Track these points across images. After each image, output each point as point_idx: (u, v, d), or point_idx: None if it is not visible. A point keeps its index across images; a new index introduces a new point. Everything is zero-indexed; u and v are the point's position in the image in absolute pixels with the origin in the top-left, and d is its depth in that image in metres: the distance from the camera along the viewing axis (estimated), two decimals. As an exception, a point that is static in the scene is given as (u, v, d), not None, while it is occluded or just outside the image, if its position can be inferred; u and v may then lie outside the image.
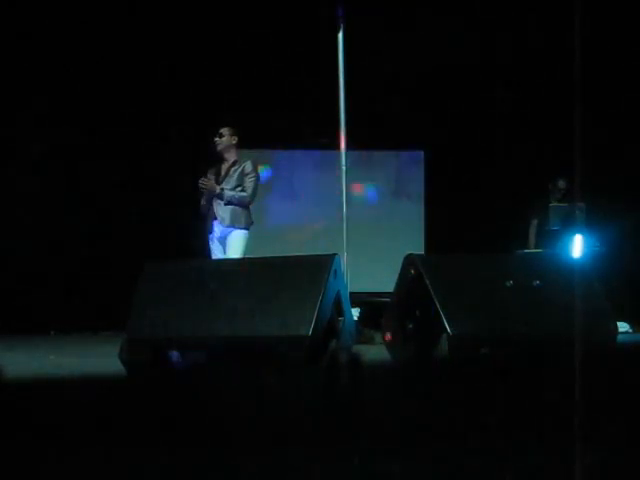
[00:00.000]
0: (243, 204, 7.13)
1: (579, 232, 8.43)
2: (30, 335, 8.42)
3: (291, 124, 9.71)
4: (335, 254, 5.45)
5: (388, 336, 5.63)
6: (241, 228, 7.09)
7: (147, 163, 9.63)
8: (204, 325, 5.18)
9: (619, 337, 5.78)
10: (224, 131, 7.25)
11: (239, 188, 7.12)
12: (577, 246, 8.37)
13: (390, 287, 5.81)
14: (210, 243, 7.17)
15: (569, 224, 8.67)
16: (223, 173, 7.20)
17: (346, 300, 5.51)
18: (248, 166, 7.18)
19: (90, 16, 9.16)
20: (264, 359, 5.00)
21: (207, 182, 7.09)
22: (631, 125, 9.29)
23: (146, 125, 9.56)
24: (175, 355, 5.21)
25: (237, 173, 7.16)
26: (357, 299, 7.51)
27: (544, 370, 4.18)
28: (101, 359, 6.11)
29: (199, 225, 7.36)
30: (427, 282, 5.24)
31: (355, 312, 7.35)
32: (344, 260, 6.54)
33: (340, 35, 7.02)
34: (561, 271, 5.42)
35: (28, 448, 2.95)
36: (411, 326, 5.43)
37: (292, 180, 10.72)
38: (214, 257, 7.07)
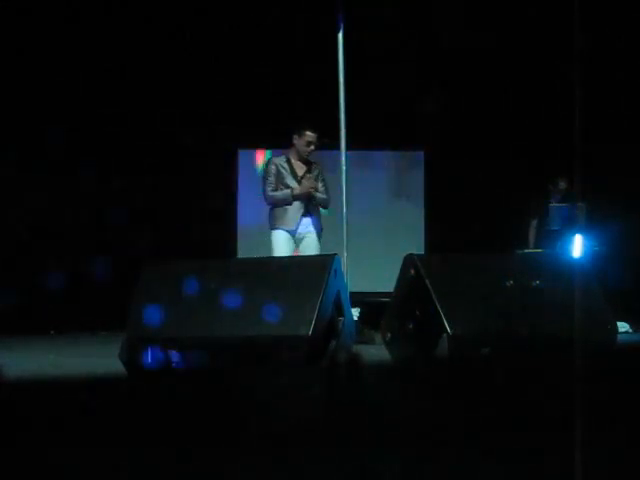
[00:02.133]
0: (324, 207, 7.25)
1: (579, 232, 8.43)
2: (30, 335, 8.41)
3: (291, 124, 9.68)
4: (335, 254, 5.45)
5: (388, 336, 5.64)
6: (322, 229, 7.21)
7: (146, 163, 9.61)
8: (204, 325, 5.18)
9: (619, 337, 5.78)
10: (316, 135, 7.23)
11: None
12: (577, 246, 8.36)
13: (390, 287, 5.81)
14: (280, 236, 7.10)
15: (569, 224, 8.67)
16: (302, 173, 7.20)
17: (346, 300, 5.51)
18: (322, 170, 7.27)
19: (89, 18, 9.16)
20: (264, 359, 5.00)
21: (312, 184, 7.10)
22: (631, 125, 9.28)
23: (146, 125, 9.55)
24: (175, 355, 5.20)
25: (315, 175, 7.22)
26: (357, 299, 7.50)
27: (544, 370, 4.18)
28: (101, 359, 6.11)
29: (200, 225, 7.36)
30: (427, 282, 5.24)
31: (355, 312, 7.35)
32: (344, 260, 6.53)
33: (340, 35, 7.02)
34: (561, 271, 5.42)
35: (28, 448, 2.95)
36: (411, 326, 5.44)
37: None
38: (279, 253, 7.00)
